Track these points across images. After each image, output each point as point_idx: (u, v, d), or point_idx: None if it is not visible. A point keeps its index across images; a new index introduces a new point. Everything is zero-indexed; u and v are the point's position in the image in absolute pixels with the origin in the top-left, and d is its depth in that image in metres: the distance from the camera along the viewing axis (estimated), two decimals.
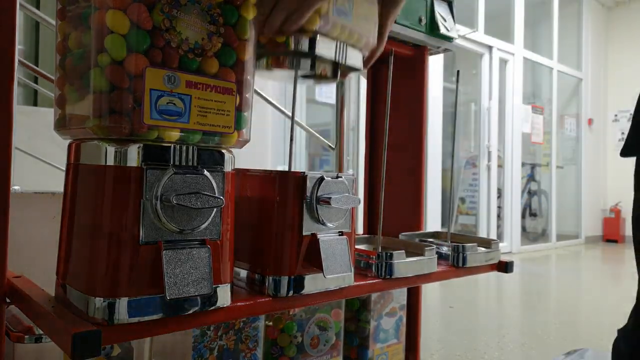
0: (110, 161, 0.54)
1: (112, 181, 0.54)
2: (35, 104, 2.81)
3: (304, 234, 0.70)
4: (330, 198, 0.71)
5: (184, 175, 0.57)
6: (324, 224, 0.72)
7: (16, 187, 1.18)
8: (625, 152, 0.74)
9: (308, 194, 0.71)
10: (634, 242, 0.75)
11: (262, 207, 0.72)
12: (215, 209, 0.60)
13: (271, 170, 0.74)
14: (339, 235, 0.75)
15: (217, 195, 0.59)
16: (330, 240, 0.72)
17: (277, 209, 0.70)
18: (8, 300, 0.64)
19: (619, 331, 0.87)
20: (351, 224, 0.77)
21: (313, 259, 0.71)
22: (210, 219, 0.60)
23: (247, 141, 0.66)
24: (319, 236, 0.71)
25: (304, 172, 0.70)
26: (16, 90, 0.66)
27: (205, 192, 0.58)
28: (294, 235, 0.70)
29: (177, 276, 0.55)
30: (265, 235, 0.71)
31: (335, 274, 0.71)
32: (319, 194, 0.71)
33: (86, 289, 0.54)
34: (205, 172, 0.59)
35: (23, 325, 0.73)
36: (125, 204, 0.54)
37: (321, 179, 0.71)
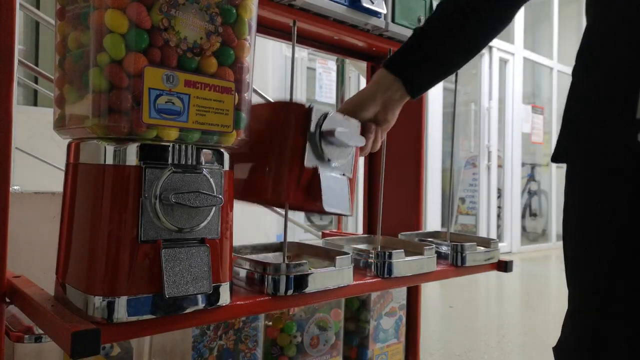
0: (110, 160, 0.55)
1: (111, 180, 0.55)
2: (35, 104, 2.82)
3: (306, 166, 0.69)
4: (334, 130, 0.69)
5: (183, 174, 0.57)
6: (326, 160, 0.71)
7: (16, 187, 1.18)
8: (556, 158, 0.68)
9: (312, 126, 0.70)
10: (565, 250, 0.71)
11: (264, 137, 0.72)
12: (214, 208, 0.60)
13: (276, 101, 0.74)
14: (342, 175, 0.74)
15: (215, 194, 0.59)
16: (331, 176, 0.71)
17: (279, 138, 0.70)
18: (8, 300, 0.64)
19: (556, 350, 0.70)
20: (353, 169, 0.76)
21: (313, 192, 0.69)
22: (209, 218, 0.60)
23: (245, 140, 0.66)
24: (320, 170, 0.70)
25: (310, 105, 0.70)
26: (16, 90, 0.67)
27: (204, 191, 0.58)
28: (295, 166, 0.69)
29: (176, 275, 0.55)
30: (265, 164, 0.70)
31: (334, 208, 0.69)
32: (323, 128, 0.70)
33: (86, 288, 0.54)
34: (204, 171, 0.59)
35: (23, 325, 0.73)
36: (125, 202, 0.54)
37: (326, 114, 0.71)
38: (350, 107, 0.80)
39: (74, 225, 0.58)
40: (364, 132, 0.78)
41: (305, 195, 0.69)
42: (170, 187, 0.56)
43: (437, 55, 0.80)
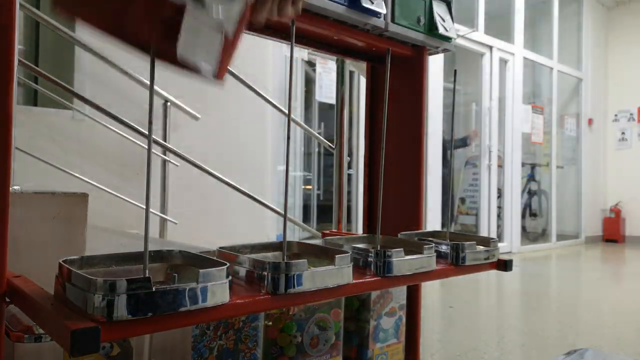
0: None
1: None
2: (35, 104, 2.82)
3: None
4: None
5: None
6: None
7: (16, 187, 1.18)
8: None
9: None
10: None
11: None
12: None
13: None
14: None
15: None
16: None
17: None
18: (8, 300, 0.64)
19: None
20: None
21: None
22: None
23: None
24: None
25: None
26: (16, 90, 0.67)
27: None
28: None
29: (193, 36, 0.55)
30: None
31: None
32: None
33: None
34: None
35: (23, 325, 0.73)
36: None
37: None
38: None
39: None
40: None
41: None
42: None
43: None
